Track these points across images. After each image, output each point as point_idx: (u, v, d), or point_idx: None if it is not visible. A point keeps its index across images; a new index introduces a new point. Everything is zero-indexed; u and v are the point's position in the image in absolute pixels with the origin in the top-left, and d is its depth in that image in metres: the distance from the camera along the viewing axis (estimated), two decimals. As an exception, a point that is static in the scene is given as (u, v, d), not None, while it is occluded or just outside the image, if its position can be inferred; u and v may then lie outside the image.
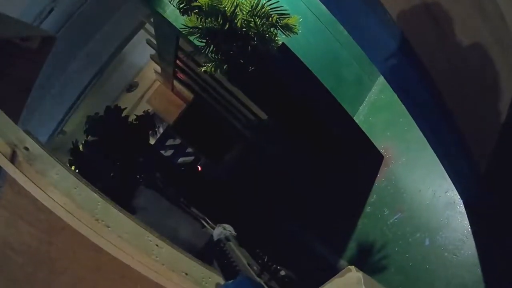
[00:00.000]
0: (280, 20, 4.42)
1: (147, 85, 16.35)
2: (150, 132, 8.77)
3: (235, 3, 4.34)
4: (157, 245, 1.34)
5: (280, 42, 4.56)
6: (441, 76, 2.76)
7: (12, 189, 1.47)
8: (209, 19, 4.29)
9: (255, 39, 4.40)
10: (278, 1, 4.44)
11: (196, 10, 4.42)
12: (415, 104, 3.15)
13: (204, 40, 4.57)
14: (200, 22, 4.30)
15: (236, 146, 11.93)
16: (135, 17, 9.47)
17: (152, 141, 10.36)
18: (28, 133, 1.41)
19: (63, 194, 1.28)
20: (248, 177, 9.87)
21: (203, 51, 4.70)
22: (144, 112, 8.79)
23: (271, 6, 4.41)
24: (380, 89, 6.94)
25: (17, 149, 1.30)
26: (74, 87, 10.08)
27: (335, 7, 3.01)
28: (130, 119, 8.35)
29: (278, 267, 4.17)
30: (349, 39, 6.63)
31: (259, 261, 4.76)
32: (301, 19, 4.52)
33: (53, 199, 1.28)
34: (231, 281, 2.22)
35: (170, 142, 14.33)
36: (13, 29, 2.26)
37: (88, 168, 7.60)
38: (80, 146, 8.11)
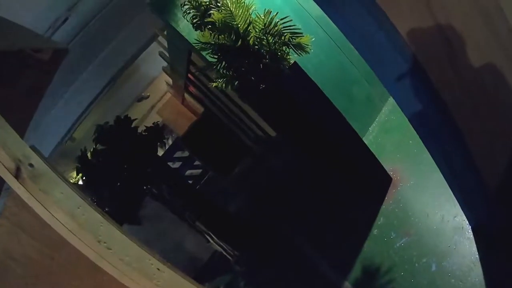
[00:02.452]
0: (292, 39, 4.43)
1: (158, 96, 16.46)
2: (158, 143, 8.75)
3: (248, 21, 4.36)
4: (158, 269, 1.31)
5: (292, 61, 4.56)
6: (453, 98, 2.73)
7: (15, 202, 1.46)
8: (222, 35, 4.31)
9: (267, 57, 4.41)
10: (291, 20, 4.46)
11: (210, 26, 4.46)
12: (425, 126, 3.13)
13: (216, 56, 4.59)
14: (213, 38, 4.32)
15: (244, 161, 11.95)
16: (149, 29, 9.55)
17: (160, 153, 10.36)
18: (34, 149, 1.40)
19: (66, 214, 1.26)
20: (254, 192, 9.84)
21: (214, 66, 4.72)
22: (153, 123, 8.78)
23: (284, 25, 4.42)
24: (390, 110, 6.91)
25: (21, 165, 1.29)
26: (86, 95, 10.15)
27: (345, 26, 3.01)
28: (139, 130, 8.35)
29: None
30: (361, 58, 6.68)
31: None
32: (313, 39, 4.54)
33: (56, 217, 1.27)
34: None
35: (178, 154, 14.35)
36: (25, 39, 2.27)
37: (95, 176, 7.62)
38: (89, 154, 8.13)
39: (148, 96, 15.03)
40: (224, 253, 7.36)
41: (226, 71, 4.64)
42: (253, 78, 4.55)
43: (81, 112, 10.63)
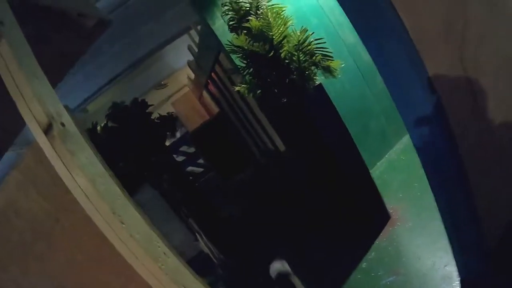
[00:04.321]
0: (323, 61, 4.48)
1: (177, 88, 16.58)
2: (168, 133, 8.79)
3: (284, 34, 4.43)
4: (164, 253, 1.33)
5: (317, 82, 4.61)
6: (468, 151, 2.75)
7: (34, 157, 1.47)
8: (256, 43, 4.37)
9: (295, 73, 4.46)
10: (325, 43, 4.51)
11: (245, 31, 4.52)
12: (437, 173, 3.13)
13: (245, 62, 4.64)
14: (247, 43, 4.37)
15: (247, 170, 11.97)
16: (183, 21, 9.65)
17: (167, 143, 10.41)
18: (67, 108, 1.42)
19: (87, 180, 1.27)
20: (249, 203, 9.83)
21: (241, 71, 4.77)
22: (168, 113, 8.82)
23: (317, 45, 4.48)
24: (401, 149, 6.94)
25: (54, 122, 1.30)
26: (109, 71, 10.26)
27: (379, 58, 3.04)
28: (153, 117, 8.40)
29: None
30: (382, 94, 6.75)
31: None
32: (343, 65, 4.58)
33: (76, 182, 1.28)
34: None
35: (184, 148, 14.38)
36: (73, 1, 2.28)
37: (100, 152, 7.64)
38: (99, 128, 8.16)
39: (167, 85, 15.14)
40: (210, 255, 7.34)
41: (252, 78, 4.69)
42: (276, 90, 4.60)
43: (100, 86, 10.73)
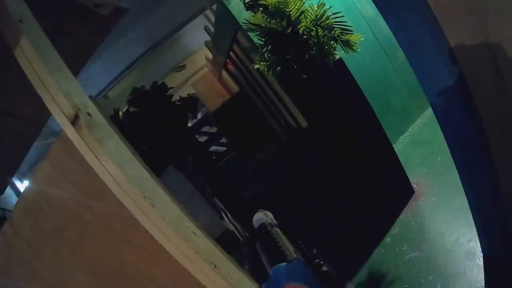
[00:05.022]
0: (342, 35, 4.41)
1: (195, 69, 16.60)
2: (189, 115, 8.82)
3: (301, 9, 4.37)
4: (194, 233, 1.37)
5: (337, 57, 4.55)
6: (493, 124, 2.71)
7: (63, 148, 1.52)
8: (273, 20, 4.33)
9: (314, 48, 4.41)
10: (344, 16, 4.44)
11: (261, 8, 4.47)
12: (459, 146, 3.10)
13: (264, 39, 4.61)
14: (264, 21, 4.33)
15: (269, 148, 11.99)
16: (198, 2, 9.60)
17: (189, 124, 10.48)
18: (92, 99, 1.46)
19: (116, 166, 1.31)
20: (272, 181, 9.87)
21: (260, 49, 4.74)
22: (188, 95, 8.84)
23: (335, 20, 4.41)
24: (424, 123, 6.86)
25: (80, 113, 1.34)
26: (127, 57, 10.32)
27: (402, 32, 2.98)
28: (173, 99, 8.44)
29: (321, 262, 4.06)
30: (404, 67, 6.65)
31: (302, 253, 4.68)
32: (362, 38, 4.51)
33: (106, 169, 1.32)
34: (284, 263, 2.21)
35: (206, 128, 14.48)
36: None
37: (124, 137, 7.72)
38: (120, 114, 8.24)
39: (185, 66, 15.16)
40: (236, 233, 7.43)
41: (270, 56, 4.66)
42: (296, 67, 4.56)
43: (119, 72, 10.81)
